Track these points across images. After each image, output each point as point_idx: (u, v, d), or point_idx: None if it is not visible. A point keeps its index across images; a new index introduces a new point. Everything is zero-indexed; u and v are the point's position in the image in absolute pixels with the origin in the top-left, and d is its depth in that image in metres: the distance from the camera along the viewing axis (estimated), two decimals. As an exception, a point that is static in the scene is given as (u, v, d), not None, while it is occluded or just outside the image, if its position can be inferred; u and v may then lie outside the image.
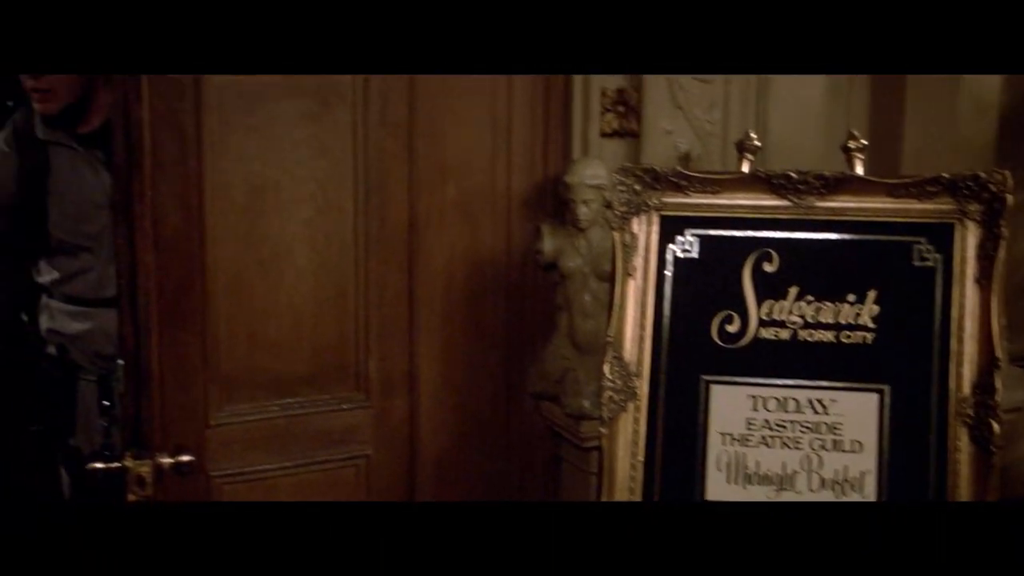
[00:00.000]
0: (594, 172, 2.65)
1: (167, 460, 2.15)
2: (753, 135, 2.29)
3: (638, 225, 2.25)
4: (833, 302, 2.20)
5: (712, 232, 2.25)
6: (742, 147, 2.28)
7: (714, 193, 2.24)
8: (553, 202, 2.77)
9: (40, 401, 3.00)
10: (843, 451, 2.16)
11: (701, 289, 2.24)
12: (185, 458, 2.16)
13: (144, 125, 2.10)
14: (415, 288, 2.73)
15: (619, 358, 2.21)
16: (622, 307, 2.23)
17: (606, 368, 2.20)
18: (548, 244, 2.70)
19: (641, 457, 2.20)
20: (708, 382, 2.21)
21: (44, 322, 3.00)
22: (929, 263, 2.18)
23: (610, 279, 2.25)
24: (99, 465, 2.10)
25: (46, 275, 2.96)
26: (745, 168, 2.26)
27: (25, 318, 3.16)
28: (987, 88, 2.86)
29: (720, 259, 2.24)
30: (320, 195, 2.58)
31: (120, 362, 2.17)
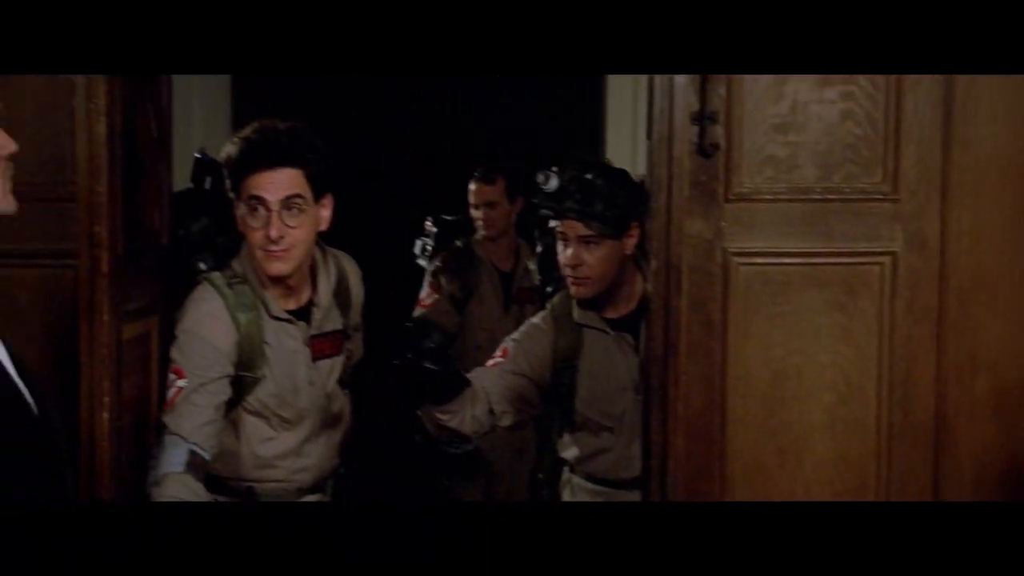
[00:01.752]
0: None
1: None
2: None
3: None
4: None
5: None
6: None
7: None
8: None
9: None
10: None
11: None
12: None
13: (681, 313, 2.19)
14: (941, 484, 2.58)
15: None
16: None
17: None
18: (1094, 446, 2.47)
19: None
20: None
21: (565, 496, 3.14)
22: None
23: None
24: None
25: (569, 450, 3.10)
26: None
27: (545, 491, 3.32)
28: None
29: None
30: (842, 383, 2.54)
31: (649, 544, 2.22)
